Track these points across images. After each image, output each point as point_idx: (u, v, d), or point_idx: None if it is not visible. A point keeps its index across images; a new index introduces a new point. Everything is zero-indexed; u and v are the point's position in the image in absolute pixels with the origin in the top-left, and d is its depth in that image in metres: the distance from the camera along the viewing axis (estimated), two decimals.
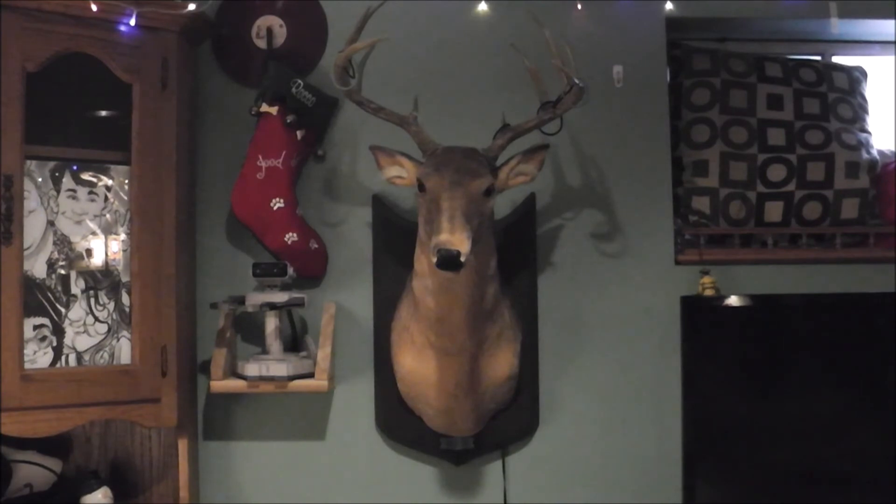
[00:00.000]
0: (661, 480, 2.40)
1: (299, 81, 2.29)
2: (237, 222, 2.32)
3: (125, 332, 2.06)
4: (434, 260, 1.82)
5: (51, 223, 2.00)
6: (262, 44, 2.39)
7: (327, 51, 2.40)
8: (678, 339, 2.39)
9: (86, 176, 2.06)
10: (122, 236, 2.08)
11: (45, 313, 1.99)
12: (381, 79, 2.28)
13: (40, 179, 2.00)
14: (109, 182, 2.08)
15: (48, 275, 1.99)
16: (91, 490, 2.11)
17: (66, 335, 2.01)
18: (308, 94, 2.30)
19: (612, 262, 2.44)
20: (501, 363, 2.24)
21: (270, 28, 2.39)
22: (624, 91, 2.38)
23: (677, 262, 2.46)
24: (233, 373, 2.28)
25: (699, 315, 2.38)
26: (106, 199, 2.07)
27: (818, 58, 2.72)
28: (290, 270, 2.22)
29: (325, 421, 2.41)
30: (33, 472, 2.17)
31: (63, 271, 2.01)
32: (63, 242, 2.02)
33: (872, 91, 2.68)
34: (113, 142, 2.08)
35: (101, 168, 2.07)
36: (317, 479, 2.39)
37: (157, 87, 2.06)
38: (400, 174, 2.13)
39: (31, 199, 1.97)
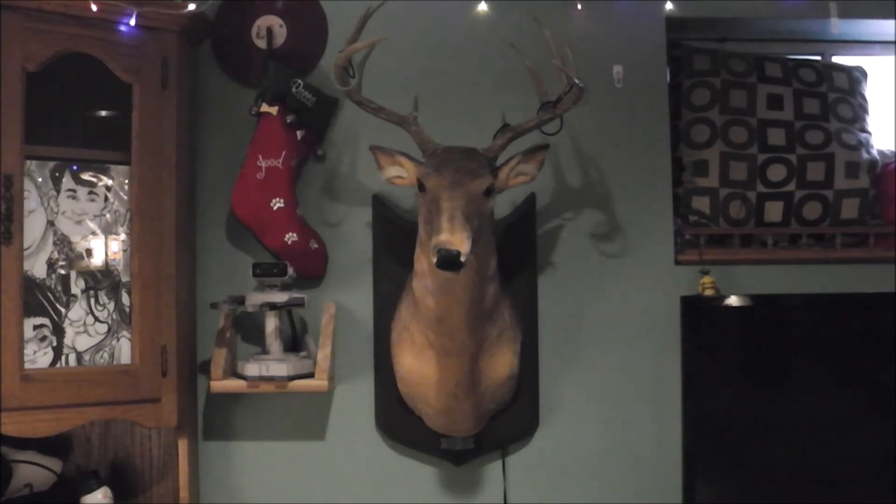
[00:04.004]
0: (661, 480, 2.40)
1: (299, 81, 2.29)
2: (237, 222, 2.32)
3: (125, 332, 2.06)
4: (434, 260, 1.82)
5: (51, 223, 2.00)
6: (262, 44, 2.39)
7: (327, 51, 2.40)
8: (678, 339, 2.39)
9: (86, 176, 2.06)
10: (122, 236, 2.08)
11: (45, 313, 1.99)
12: (381, 79, 2.28)
13: (40, 179, 2.00)
14: (109, 182, 2.08)
15: (48, 275, 1.99)
16: (91, 490, 2.11)
17: (66, 335, 2.01)
18: (308, 94, 2.30)
19: (612, 262, 2.44)
20: (501, 363, 2.24)
21: (270, 28, 2.39)
22: (624, 91, 2.38)
23: (677, 262, 2.46)
24: (233, 373, 2.28)
25: (699, 315, 2.38)
26: (106, 199, 2.07)
27: (818, 58, 2.72)
28: (290, 270, 2.22)
29: (325, 421, 2.41)
30: (33, 472, 2.17)
31: (63, 271, 2.01)
32: (63, 242, 2.02)
33: (872, 91, 2.68)
34: (113, 142, 2.08)
35: (101, 168, 2.07)
36: (317, 479, 2.39)
37: (157, 87, 2.06)
38: (400, 174, 2.13)
39: (31, 199, 1.97)
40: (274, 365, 2.20)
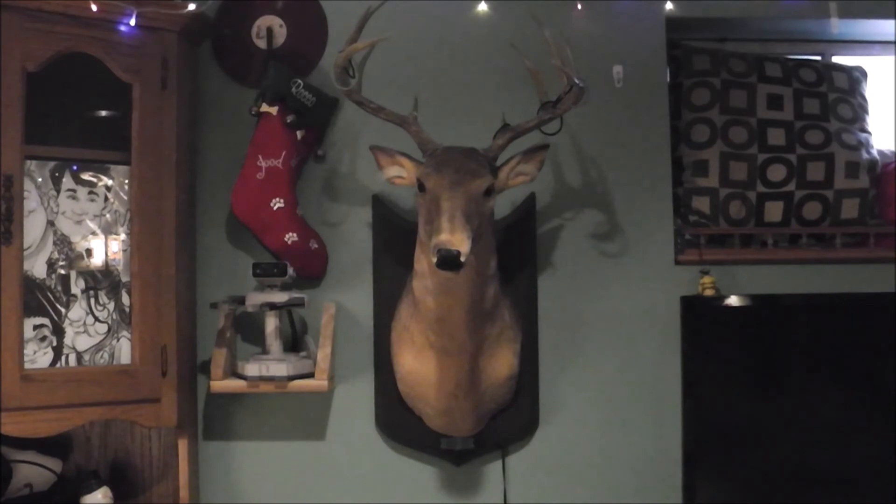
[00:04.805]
0: (661, 480, 2.40)
1: (299, 81, 2.29)
2: (237, 222, 2.32)
3: (125, 332, 2.06)
4: (434, 260, 1.82)
5: (51, 223, 2.00)
6: (262, 44, 2.39)
7: (327, 51, 2.40)
8: (678, 339, 2.39)
9: (86, 176, 2.06)
10: (122, 236, 2.08)
11: (45, 313, 1.99)
12: (381, 79, 2.28)
13: (40, 179, 2.00)
14: (109, 182, 2.08)
15: (48, 275, 1.99)
16: (91, 490, 2.11)
17: (66, 335, 2.01)
18: (308, 94, 2.30)
19: (612, 262, 2.44)
20: (501, 363, 2.24)
21: (270, 28, 2.39)
22: (624, 91, 2.38)
23: (677, 262, 2.46)
24: (233, 373, 2.27)
25: (699, 315, 2.38)
26: (106, 199, 2.07)
27: (818, 58, 2.72)
28: (290, 270, 2.22)
29: (325, 421, 2.41)
30: (33, 472, 2.17)
31: (63, 271, 2.01)
32: (63, 242, 2.02)
33: (872, 91, 2.68)
34: (113, 142, 2.08)
35: (101, 168, 2.07)
36: (317, 479, 2.39)
37: (157, 87, 2.06)
38: (400, 174, 2.13)
39: (31, 199, 1.97)
40: (274, 365, 2.20)
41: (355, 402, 2.40)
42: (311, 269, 2.36)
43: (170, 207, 2.08)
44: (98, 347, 2.04)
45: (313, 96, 2.31)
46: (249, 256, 2.36)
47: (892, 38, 2.67)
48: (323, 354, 2.25)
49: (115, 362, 2.05)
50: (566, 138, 2.38)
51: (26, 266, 1.95)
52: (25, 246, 1.95)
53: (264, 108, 2.27)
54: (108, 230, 2.07)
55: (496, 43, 2.37)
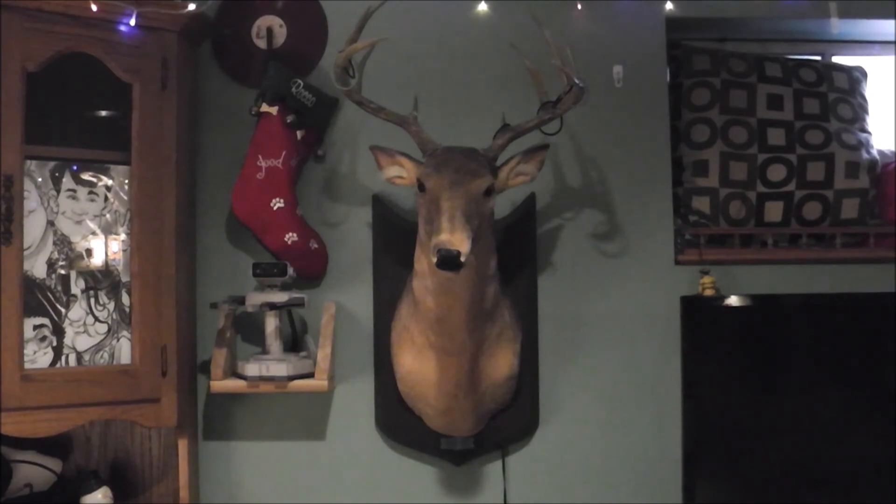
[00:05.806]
0: (661, 480, 2.40)
1: (299, 81, 2.29)
2: (237, 222, 2.32)
3: (125, 332, 2.06)
4: (434, 260, 1.82)
5: (51, 223, 2.00)
6: (262, 44, 2.39)
7: (327, 51, 2.40)
8: (678, 339, 2.39)
9: (86, 176, 2.06)
10: (122, 236, 2.08)
11: (45, 313, 1.99)
12: (381, 79, 2.28)
13: (40, 179, 2.00)
14: (109, 182, 2.08)
15: (48, 275, 1.99)
16: (91, 490, 2.11)
17: (66, 335, 2.01)
18: (308, 94, 2.30)
19: (612, 262, 2.44)
20: (501, 363, 2.24)
21: (270, 28, 2.39)
22: (624, 91, 2.38)
23: (677, 262, 2.46)
24: (233, 373, 2.27)
25: (699, 315, 2.38)
26: (106, 199, 2.07)
27: (818, 58, 2.72)
28: (290, 270, 2.22)
29: (325, 421, 2.41)
30: (33, 472, 2.17)
31: (63, 271, 2.01)
32: (63, 242, 2.02)
33: (872, 91, 2.68)
34: (113, 142, 2.08)
35: (101, 168, 2.07)
36: (317, 479, 2.39)
37: (157, 87, 2.06)
38: (400, 174, 2.13)
39: (31, 199, 1.97)
40: (274, 365, 2.20)
41: (355, 402, 2.40)
42: (311, 269, 2.36)
43: (170, 207, 2.08)
44: (98, 347, 2.04)
45: (313, 96, 2.31)
46: (249, 256, 2.36)
47: (892, 38, 2.67)
48: (323, 354, 2.26)
49: (115, 362, 2.05)
50: (566, 138, 2.38)
51: (26, 266, 1.95)
52: (25, 246, 1.95)
53: (264, 108, 2.27)
54: (108, 230, 2.07)
55: (496, 43, 2.37)
